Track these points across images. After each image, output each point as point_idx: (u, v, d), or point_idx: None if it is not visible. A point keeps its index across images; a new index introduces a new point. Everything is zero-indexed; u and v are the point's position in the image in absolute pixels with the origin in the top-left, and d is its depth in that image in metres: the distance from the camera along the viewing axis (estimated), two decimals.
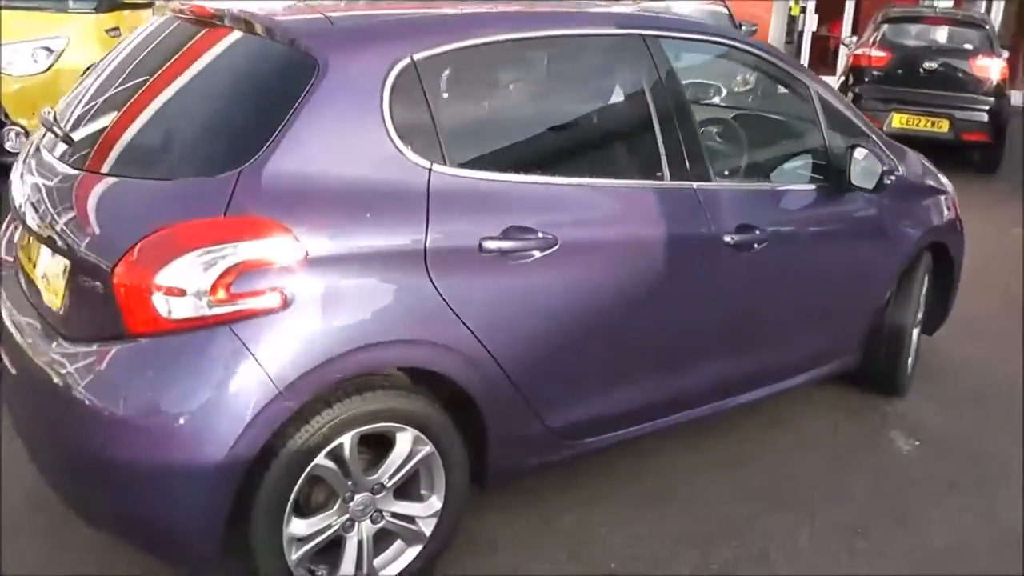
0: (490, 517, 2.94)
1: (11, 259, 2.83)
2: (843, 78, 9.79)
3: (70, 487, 2.35)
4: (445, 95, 2.55)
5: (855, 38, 11.33)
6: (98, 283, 2.18)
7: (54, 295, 2.37)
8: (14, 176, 2.80)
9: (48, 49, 6.30)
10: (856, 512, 3.22)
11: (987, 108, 8.80)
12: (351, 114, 2.32)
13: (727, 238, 3.01)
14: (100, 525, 2.42)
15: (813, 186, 3.46)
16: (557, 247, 2.54)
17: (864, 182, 3.34)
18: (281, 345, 2.15)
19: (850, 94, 9.08)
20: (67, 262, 2.31)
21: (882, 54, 9.26)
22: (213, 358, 2.12)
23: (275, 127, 2.23)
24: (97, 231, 2.28)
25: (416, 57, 2.43)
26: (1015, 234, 7.11)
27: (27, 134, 6.18)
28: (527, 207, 2.56)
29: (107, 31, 7.00)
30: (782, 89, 3.57)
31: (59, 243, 2.34)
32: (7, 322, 2.56)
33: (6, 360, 2.54)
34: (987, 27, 9.44)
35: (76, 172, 2.45)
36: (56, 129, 2.64)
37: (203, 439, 2.11)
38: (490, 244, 2.45)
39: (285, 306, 2.16)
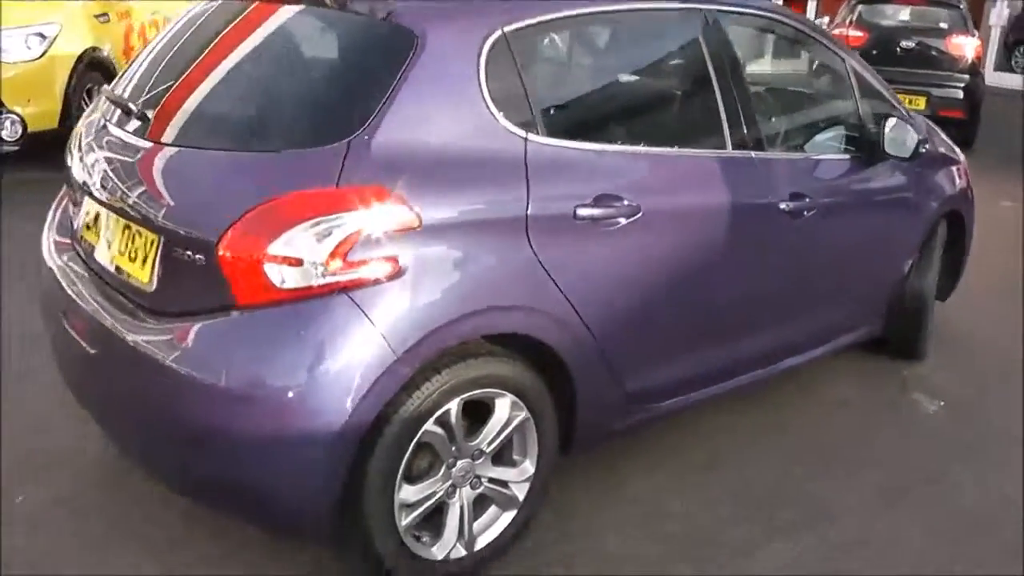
0: (565, 482, 3.02)
1: (66, 240, 2.83)
2: None
3: (169, 461, 2.37)
4: (534, 67, 2.60)
5: (826, 19, 11.54)
6: (200, 256, 2.19)
7: (140, 272, 2.38)
8: (73, 155, 2.79)
9: (41, 35, 6.19)
10: (894, 472, 3.35)
11: (962, 85, 9.06)
12: (450, 86, 2.37)
13: (783, 205, 3.12)
14: (205, 498, 2.44)
15: (847, 156, 3.57)
16: (640, 214, 2.62)
17: (900, 151, 3.46)
18: (397, 312, 2.19)
19: None
20: (155, 237, 2.32)
21: (859, 34, 9.46)
22: (331, 326, 2.15)
23: (379, 99, 2.26)
24: (197, 205, 2.29)
25: (507, 29, 2.48)
26: (1004, 207, 7.34)
27: (23, 123, 6.09)
28: (613, 175, 2.63)
29: (96, 17, 6.89)
30: (818, 61, 3.68)
31: (147, 219, 2.35)
32: (78, 302, 2.55)
33: (78, 339, 2.52)
34: (960, 7, 9.69)
35: (161, 147, 2.46)
36: (131, 105, 2.63)
37: (322, 407, 2.14)
38: (583, 211, 2.52)
39: (399, 273, 2.19)
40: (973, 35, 9.33)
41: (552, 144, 2.51)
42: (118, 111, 2.71)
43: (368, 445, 2.22)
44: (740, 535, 2.91)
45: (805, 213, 3.21)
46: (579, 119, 2.73)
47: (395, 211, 2.20)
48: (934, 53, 9.23)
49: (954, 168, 4.25)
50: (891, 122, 3.46)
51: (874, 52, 9.29)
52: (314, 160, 2.22)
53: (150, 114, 2.56)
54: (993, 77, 14.45)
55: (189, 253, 2.23)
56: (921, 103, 8.98)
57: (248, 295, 2.16)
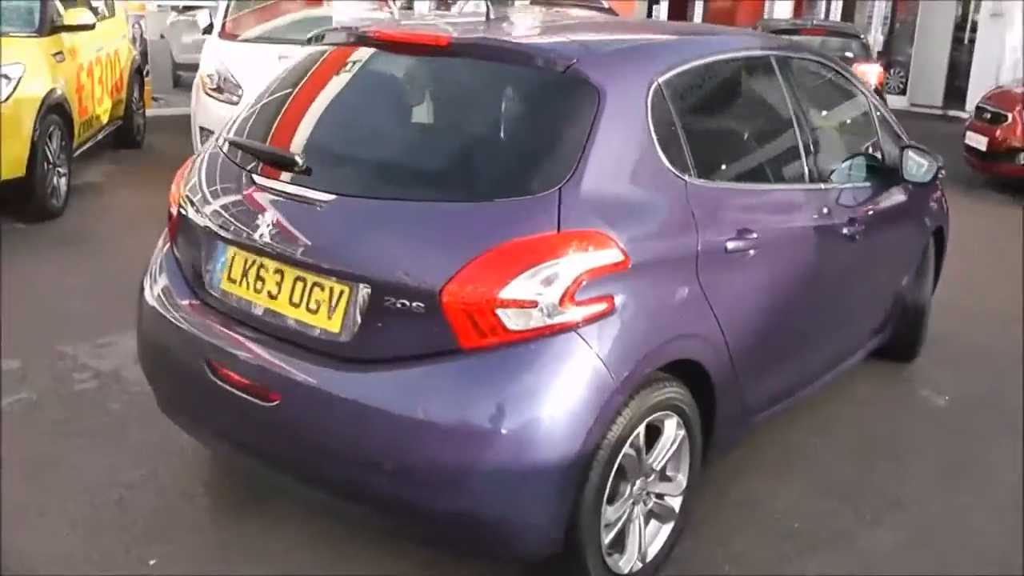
0: None
1: (183, 291, 2.85)
2: None
3: (397, 502, 2.43)
4: (683, 112, 2.86)
5: None
6: (418, 304, 2.33)
7: (325, 322, 2.48)
8: (201, 205, 2.83)
9: (6, 76, 5.99)
10: (938, 460, 3.78)
11: None
12: (630, 135, 2.62)
13: (844, 230, 3.50)
14: (435, 537, 2.54)
15: (871, 183, 4.00)
16: (762, 244, 2.95)
17: (920, 177, 3.91)
18: (614, 345, 2.42)
19: None
20: (346, 288, 2.43)
21: None
22: (562, 362, 2.34)
23: (579, 149, 2.48)
24: (413, 255, 2.41)
25: (662, 79, 2.75)
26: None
27: None
28: (745, 211, 2.98)
29: (53, 55, 6.70)
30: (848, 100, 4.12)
31: (339, 271, 2.46)
32: (236, 353, 2.62)
33: (239, 391, 2.58)
34: (861, 37, 10.54)
35: (351, 199, 2.56)
36: (290, 156, 2.69)
37: (560, 438, 2.32)
38: (731, 245, 2.84)
39: (614, 309, 2.42)
40: (875, 62, 10.18)
41: (704, 185, 2.81)
42: (257, 160, 2.77)
43: (586, 471, 2.41)
44: (839, 524, 3.25)
45: (856, 236, 3.61)
46: (717, 160, 3.03)
47: (610, 253, 2.42)
48: None
49: (938, 190, 4.77)
50: (910, 152, 3.91)
51: None
52: (530, 208, 2.41)
53: (323, 165, 2.66)
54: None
55: (404, 302, 2.35)
56: None
57: (473, 339, 2.32)
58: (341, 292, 2.47)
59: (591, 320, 2.38)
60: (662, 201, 2.67)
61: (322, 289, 2.51)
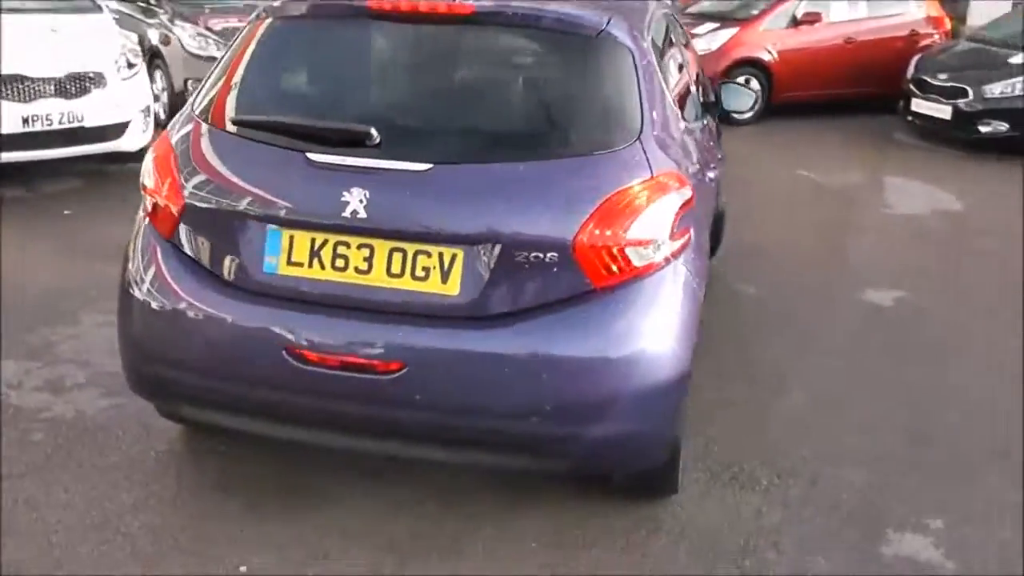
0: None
1: (233, 295, 2.70)
2: None
3: (543, 446, 2.61)
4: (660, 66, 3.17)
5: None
6: (552, 254, 2.52)
7: (439, 286, 2.56)
8: (258, 196, 2.67)
9: None
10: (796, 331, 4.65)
11: None
12: (655, 86, 2.92)
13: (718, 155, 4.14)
14: (587, 464, 2.76)
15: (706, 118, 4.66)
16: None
17: (743, 107, 4.64)
18: (697, 268, 2.81)
19: None
20: (458, 251, 2.54)
21: None
22: (677, 289, 2.67)
23: (639, 103, 2.76)
24: (538, 211, 2.56)
25: (649, 37, 3.07)
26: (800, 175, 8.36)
27: None
28: (695, 145, 3.48)
29: None
30: None
31: (455, 235, 2.54)
32: (330, 338, 2.58)
33: (341, 372, 2.57)
34: None
35: (446, 166, 2.60)
36: (369, 130, 2.62)
37: (684, 357, 2.67)
38: (705, 173, 3.41)
39: (691, 237, 2.78)
40: None
41: (687, 126, 3.25)
42: (309, 138, 2.67)
43: (689, 381, 2.80)
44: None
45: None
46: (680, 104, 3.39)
47: (687, 190, 2.77)
48: None
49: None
50: (730, 86, 4.64)
51: None
52: (625, 158, 2.67)
53: (395, 136, 2.65)
54: None
55: (537, 255, 2.52)
56: None
57: (604, 279, 2.56)
58: (453, 256, 2.56)
59: (683, 249, 2.73)
60: (684, 141, 3.05)
61: (428, 256, 2.57)
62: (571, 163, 2.68)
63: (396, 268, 2.59)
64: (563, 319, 2.56)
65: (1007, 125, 8.63)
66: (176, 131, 2.95)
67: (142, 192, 2.92)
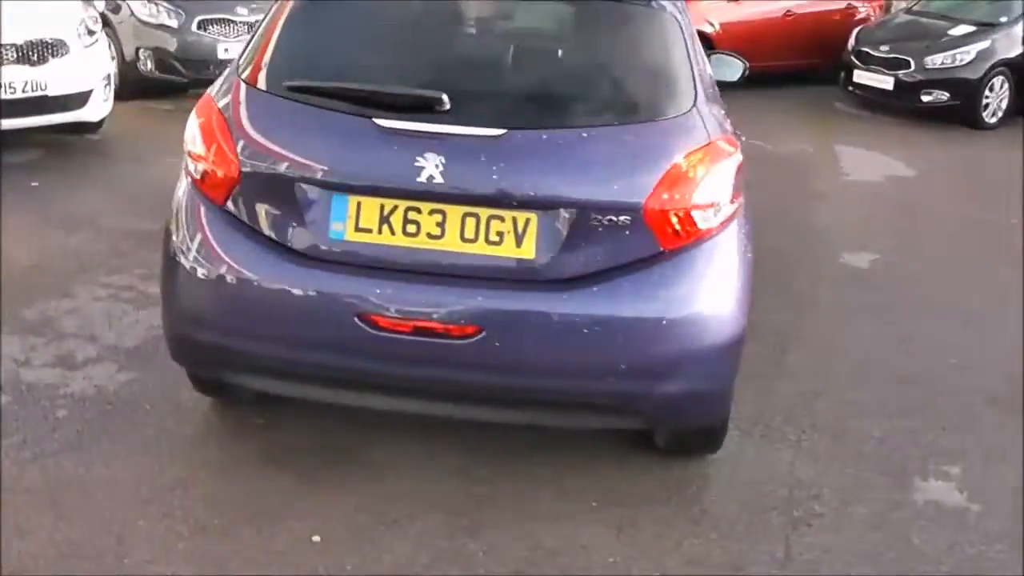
0: None
1: (297, 262, 2.68)
2: None
3: (616, 403, 2.72)
4: None
5: None
6: (624, 217, 2.58)
7: (514, 250, 2.60)
8: (321, 162, 2.65)
9: None
10: None
11: None
12: (699, 54, 3.00)
13: None
14: (663, 418, 2.87)
15: None
16: None
17: (733, 76, 4.75)
18: (748, 229, 2.91)
19: None
20: (531, 215, 2.58)
21: None
22: (736, 248, 2.77)
23: (690, 70, 2.84)
24: (612, 175, 2.63)
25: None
26: (755, 145, 8.60)
27: None
28: None
29: None
30: None
31: (531, 199, 2.57)
32: (407, 302, 2.59)
33: (419, 337, 2.58)
34: None
35: (520, 131, 2.62)
36: (441, 96, 2.61)
37: (744, 313, 2.77)
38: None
39: (743, 201, 2.88)
40: None
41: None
42: (387, 104, 2.65)
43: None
44: None
45: None
46: None
47: (738, 155, 2.85)
48: None
49: None
50: (721, 56, 4.74)
51: None
52: (686, 124, 2.74)
53: (465, 102, 2.64)
54: None
55: (611, 218, 2.58)
56: None
57: (673, 241, 2.64)
58: (527, 220, 2.59)
59: (737, 212, 2.82)
60: (722, 106, 3.12)
61: (502, 221, 2.60)
62: (637, 129, 2.75)
63: (469, 233, 2.61)
64: (635, 281, 2.63)
65: (948, 94, 9.03)
66: (221, 95, 2.88)
67: (189, 158, 2.85)
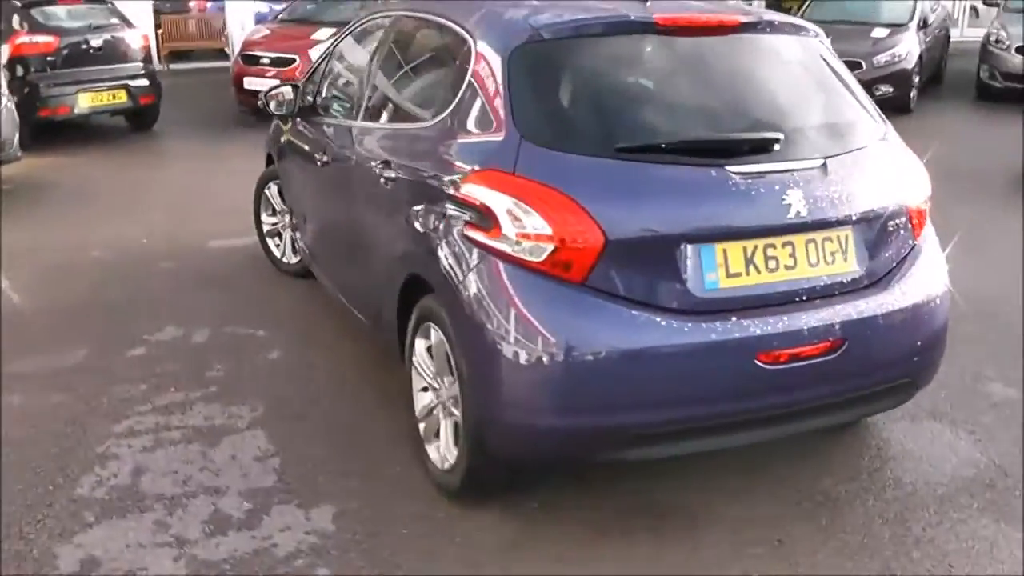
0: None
1: (688, 319, 2.70)
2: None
3: (901, 383, 3.10)
4: None
5: None
6: (902, 219, 3.05)
7: (842, 266, 2.91)
8: (687, 217, 2.73)
9: None
10: None
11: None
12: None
13: None
14: (921, 387, 3.22)
15: None
16: None
17: None
18: None
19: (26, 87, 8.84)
20: (847, 232, 2.91)
21: (50, 39, 9.12)
22: (933, 236, 3.30)
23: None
24: (896, 185, 3.10)
25: None
26: None
27: None
28: None
29: None
30: None
31: (853, 218, 2.91)
32: (801, 327, 2.78)
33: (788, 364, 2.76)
34: (109, 3, 10.03)
35: (829, 159, 2.95)
36: (777, 136, 2.91)
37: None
38: None
39: None
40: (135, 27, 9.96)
41: None
42: (721, 151, 2.84)
43: None
44: None
45: None
46: None
47: None
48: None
49: None
50: None
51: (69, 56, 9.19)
52: (893, 141, 3.28)
53: (789, 138, 2.93)
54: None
55: (895, 222, 3.03)
56: (123, 96, 9.48)
57: (919, 234, 3.14)
58: (845, 237, 2.93)
59: None
60: None
61: (831, 241, 2.91)
62: (881, 146, 3.20)
63: (814, 257, 2.87)
64: (914, 272, 3.06)
65: (891, 87, 10.05)
66: (523, 167, 2.77)
67: (523, 241, 2.68)
